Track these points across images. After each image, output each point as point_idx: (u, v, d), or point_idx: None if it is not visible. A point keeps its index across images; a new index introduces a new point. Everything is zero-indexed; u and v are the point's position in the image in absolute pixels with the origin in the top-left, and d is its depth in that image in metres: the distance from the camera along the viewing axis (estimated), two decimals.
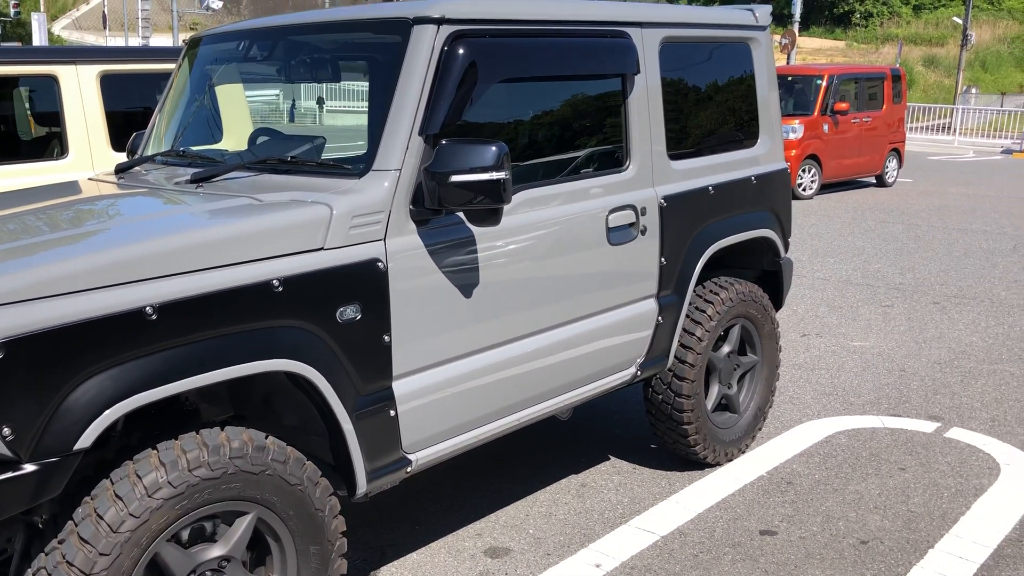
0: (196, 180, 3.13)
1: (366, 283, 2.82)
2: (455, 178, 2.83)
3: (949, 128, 35.62)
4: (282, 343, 2.62)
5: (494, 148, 2.84)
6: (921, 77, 54.01)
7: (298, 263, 2.67)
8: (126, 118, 5.85)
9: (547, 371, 3.49)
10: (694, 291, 4.16)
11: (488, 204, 2.88)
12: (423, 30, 2.99)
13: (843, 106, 15.17)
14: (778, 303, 4.77)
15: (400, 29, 3.03)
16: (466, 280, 3.11)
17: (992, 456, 4.59)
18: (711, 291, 4.24)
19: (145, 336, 2.34)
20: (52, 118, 5.68)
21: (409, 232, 2.95)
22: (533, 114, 3.50)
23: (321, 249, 2.74)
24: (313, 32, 3.35)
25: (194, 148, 3.66)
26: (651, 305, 3.92)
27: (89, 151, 5.62)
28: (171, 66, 5.98)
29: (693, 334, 4.14)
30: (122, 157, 5.66)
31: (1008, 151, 28.75)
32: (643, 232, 3.78)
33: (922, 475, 4.37)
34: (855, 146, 15.75)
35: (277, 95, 4.56)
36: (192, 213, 2.80)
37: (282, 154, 3.26)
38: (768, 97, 4.52)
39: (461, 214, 3.04)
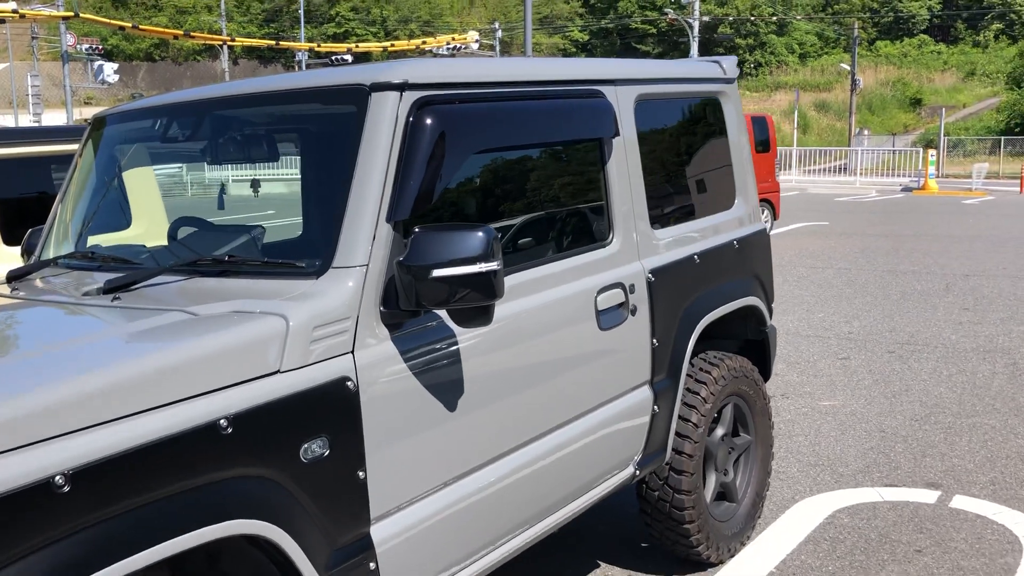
0: (111, 289, 2.55)
1: (334, 409, 2.29)
2: (437, 272, 2.33)
3: (846, 169, 36.80)
4: (235, 499, 2.06)
5: (481, 234, 2.36)
6: (815, 121, 56.07)
7: (249, 394, 2.12)
8: (19, 209, 5.19)
9: (543, 484, 2.98)
10: (687, 372, 3.72)
11: (478, 300, 2.38)
12: (383, 98, 2.51)
13: None
14: (766, 375, 4.37)
15: (355, 98, 2.54)
16: (450, 390, 2.60)
17: (1007, 528, 4.24)
18: (701, 370, 3.81)
19: (56, 515, 1.75)
20: None
21: (381, 339, 2.43)
22: (505, 188, 3.04)
23: (277, 372, 2.20)
24: (246, 104, 2.83)
25: (104, 245, 3.06)
26: (645, 393, 3.46)
27: None
28: (69, 147, 5.35)
29: (688, 420, 3.69)
30: (15, 256, 5.03)
31: (908, 188, 29.73)
32: (633, 312, 3.33)
33: (942, 557, 3.98)
34: None
35: (180, 169, 3.99)
36: (109, 337, 2.22)
37: (215, 251, 2.70)
38: (741, 154, 4.17)
39: (442, 313, 2.54)
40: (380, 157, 2.47)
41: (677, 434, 3.65)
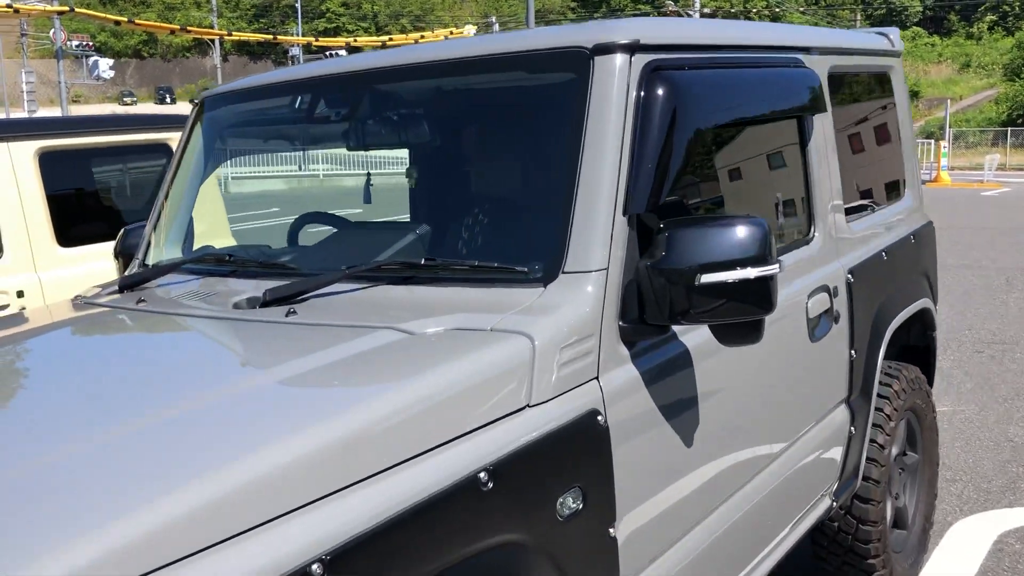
0: (274, 301, 2.07)
1: (585, 451, 1.81)
2: (706, 278, 1.86)
3: None
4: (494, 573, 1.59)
5: (754, 228, 1.89)
6: None
7: (503, 437, 1.65)
8: (72, 205, 4.68)
9: (760, 525, 2.51)
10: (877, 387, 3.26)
11: (750, 313, 1.91)
12: (610, 63, 2.03)
13: None
14: (929, 385, 3.92)
15: (573, 63, 2.06)
16: (688, 421, 2.13)
17: None
18: (882, 383, 3.35)
19: None
20: None
21: (621, 361, 1.96)
22: (715, 173, 2.57)
23: (525, 408, 1.72)
24: (419, 76, 2.32)
25: (240, 247, 2.57)
26: (843, 414, 3.00)
27: (29, 249, 4.41)
28: (121, 138, 4.85)
29: (875, 441, 3.23)
30: (72, 257, 4.53)
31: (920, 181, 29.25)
32: (836, 320, 2.86)
33: None
34: None
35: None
36: (323, 368, 1.72)
37: (382, 254, 2.22)
38: (909, 138, 3.71)
39: (681, 331, 2.07)
40: (611, 136, 1.99)
41: (868, 458, 3.19)
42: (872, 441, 3.21)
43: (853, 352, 2.99)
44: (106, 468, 1.31)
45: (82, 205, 4.82)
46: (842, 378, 2.96)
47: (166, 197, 2.84)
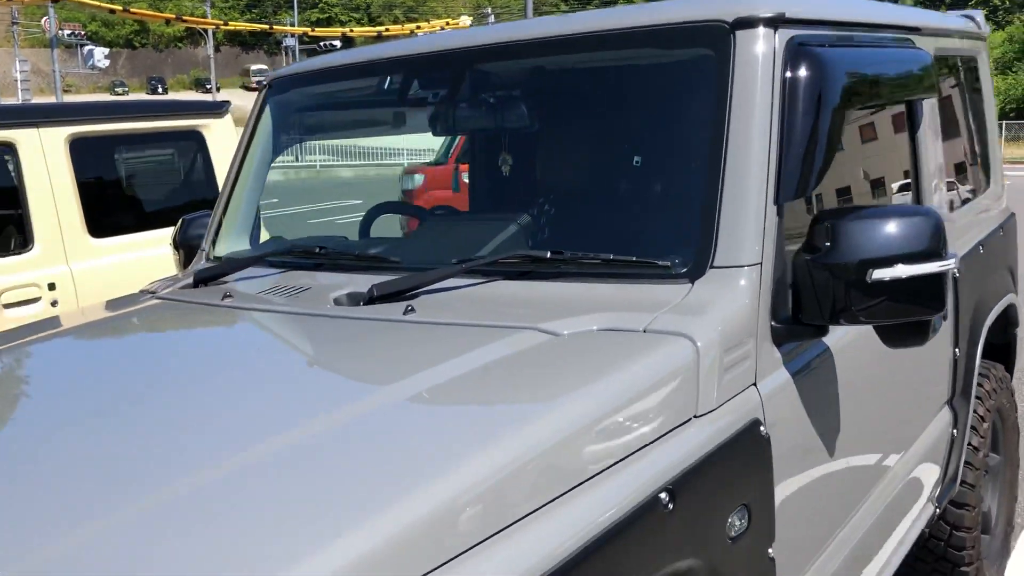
0: (383, 296, 1.89)
1: (750, 465, 1.65)
2: (879, 274, 1.69)
3: None
4: None
5: (928, 220, 1.73)
6: None
7: (675, 452, 1.48)
8: (104, 193, 4.48)
9: (880, 533, 2.36)
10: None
11: (920, 312, 1.75)
12: (752, 38, 1.86)
13: None
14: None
15: (710, 38, 1.89)
16: (829, 428, 1.97)
17: None
18: (977, 383, 3.19)
19: None
20: (6, 198, 4.25)
21: (775, 365, 1.79)
22: (853, 159, 2.40)
23: (693, 419, 1.56)
24: (532, 54, 2.14)
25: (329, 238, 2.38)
26: (947, 415, 2.84)
27: (61, 239, 4.21)
28: (154, 124, 4.65)
29: (971, 444, 3.08)
30: (104, 247, 4.32)
31: None
32: (944, 316, 2.70)
33: None
34: None
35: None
36: (475, 376, 1.53)
37: (487, 246, 2.05)
38: (993, 125, 3.56)
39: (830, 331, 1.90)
40: (758, 118, 1.82)
41: (965, 462, 3.04)
42: (968, 444, 3.06)
43: (956, 351, 2.83)
44: (352, 464, 1.22)
45: (114, 194, 4.63)
46: (946, 378, 2.81)
47: (233, 185, 2.66)
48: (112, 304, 2.35)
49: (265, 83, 2.70)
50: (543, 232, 2.09)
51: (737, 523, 1.59)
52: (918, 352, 2.52)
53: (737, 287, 1.72)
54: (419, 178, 9.71)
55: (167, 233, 4.59)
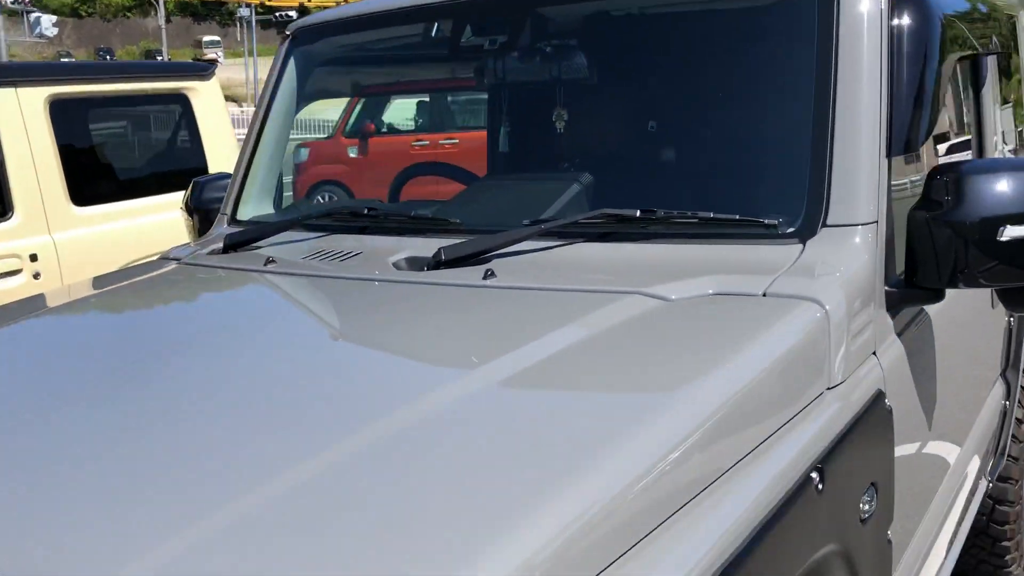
0: (453, 260, 1.71)
1: (877, 441, 1.52)
2: (1013, 231, 1.56)
3: None
4: None
5: None
6: None
7: (815, 427, 1.34)
8: (87, 159, 4.22)
9: (947, 509, 2.26)
10: None
11: None
12: None
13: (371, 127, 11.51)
14: None
15: None
16: (931, 399, 1.85)
17: None
18: None
19: None
20: None
21: (888, 332, 1.66)
22: (953, 110, 2.27)
23: (825, 391, 1.42)
24: None
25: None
26: (1000, 388, 2.75)
27: (42, 207, 3.95)
28: (138, 86, 4.38)
29: (1016, 417, 3.00)
30: (88, 216, 4.06)
31: None
32: None
33: None
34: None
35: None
36: (594, 343, 1.35)
37: (552, 206, 1.88)
38: None
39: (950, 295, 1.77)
40: (867, 64, 1.67)
41: (1012, 436, 2.95)
42: (1015, 417, 2.98)
43: (1011, 320, 2.74)
44: (495, 452, 1.06)
45: (98, 160, 4.36)
46: (1000, 348, 2.71)
47: (255, 145, 2.45)
48: (135, 271, 2.15)
49: (289, 33, 2.49)
50: (618, 190, 1.92)
51: (867, 504, 1.46)
52: (983, 320, 2.42)
53: (854, 248, 1.58)
54: (304, 152, 9.13)
55: (154, 202, 4.37)
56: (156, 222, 4.21)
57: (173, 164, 4.57)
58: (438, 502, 0.94)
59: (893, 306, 1.67)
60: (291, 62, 2.46)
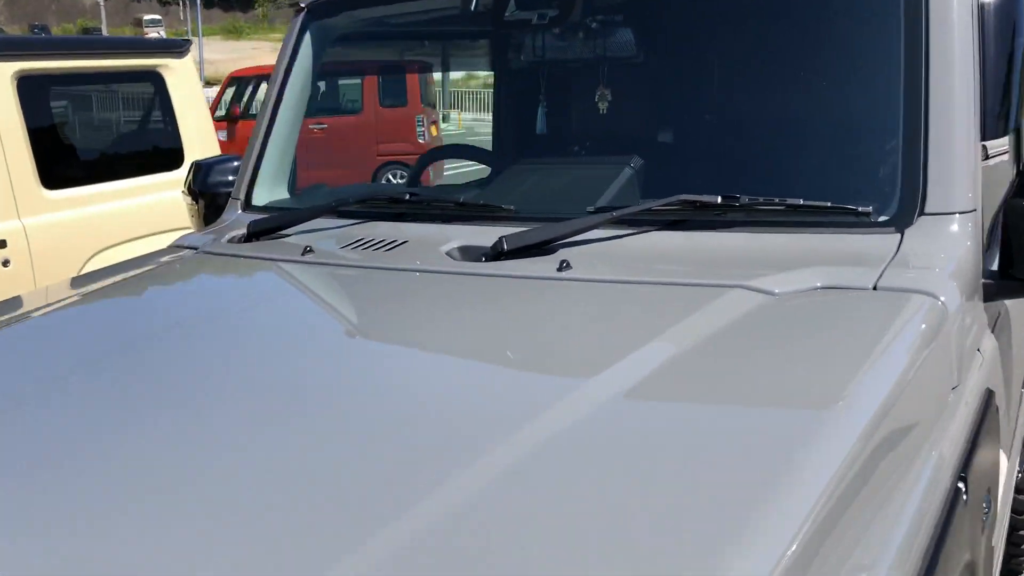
0: (515, 250, 1.58)
1: (990, 442, 1.43)
2: None
3: None
4: None
5: None
6: None
7: (950, 433, 1.25)
8: (58, 139, 3.97)
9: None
10: None
11: None
12: None
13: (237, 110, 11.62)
14: None
15: None
16: (1011, 393, 1.77)
17: None
18: None
19: None
20: None
21: (985, 326, 1.57)
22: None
23: (951, 391, 1.33)
24: None
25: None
26: None
27: (11, 190, 3.71)
28: (110, 63, 4.14)
29: None
30: (60, 200, 3.83)
31: None
32: None
33: None
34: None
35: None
36: (715, 346, 1.23)
37: (605, 192, 1.76)
38: None
39: None
40: (959, 44, 1.58)
41: None
42: None
43: None
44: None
45: (70, 140, 4.12)
46: None
47: (269, 126, 2.28)
48: (148, 260, 1.97)
49: (304, 6, 2.32)
50: (690, 176, 1.80)
51: (984, 510, 1.37)
52: None
53: (955, 237, 1.49)
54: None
55: (129, 184, 4.14)
56: (132, 206, 3.99)
57: (147, 145, 4.35)
58: (679, 503, 0.84)
59: (989, 299, 1.58)
60: (306, 37, 2.29)
